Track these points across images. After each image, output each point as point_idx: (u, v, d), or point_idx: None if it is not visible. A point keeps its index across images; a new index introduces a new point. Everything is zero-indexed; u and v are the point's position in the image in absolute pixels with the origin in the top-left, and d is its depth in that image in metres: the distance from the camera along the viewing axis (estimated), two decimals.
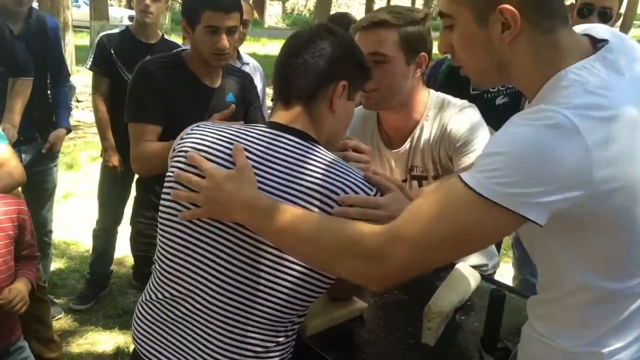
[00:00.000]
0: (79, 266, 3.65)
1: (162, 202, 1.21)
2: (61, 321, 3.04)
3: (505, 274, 3.20)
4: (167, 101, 1.94)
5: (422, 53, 1.58)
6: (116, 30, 3.07)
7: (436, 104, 1.69)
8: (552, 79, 0.94)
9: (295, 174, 1.12)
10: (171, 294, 1.20)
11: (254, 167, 1.12)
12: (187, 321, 1.18)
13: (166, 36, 3.18)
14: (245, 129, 1.20)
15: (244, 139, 1.17)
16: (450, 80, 2.37)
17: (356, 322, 1.42)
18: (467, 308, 1.49)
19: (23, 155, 2.80)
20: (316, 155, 1.15)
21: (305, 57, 1.19)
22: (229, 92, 2.07)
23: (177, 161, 1.19)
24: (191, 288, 1.16)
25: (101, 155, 3.17)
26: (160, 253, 1.21)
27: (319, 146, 1.18)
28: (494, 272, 1.88)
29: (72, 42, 9.01)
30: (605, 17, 2.35)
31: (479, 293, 1.55)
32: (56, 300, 3.17)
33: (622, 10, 2.51)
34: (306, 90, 1.19)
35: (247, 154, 1.13)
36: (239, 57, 2.93)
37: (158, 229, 1.22)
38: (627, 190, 0.89)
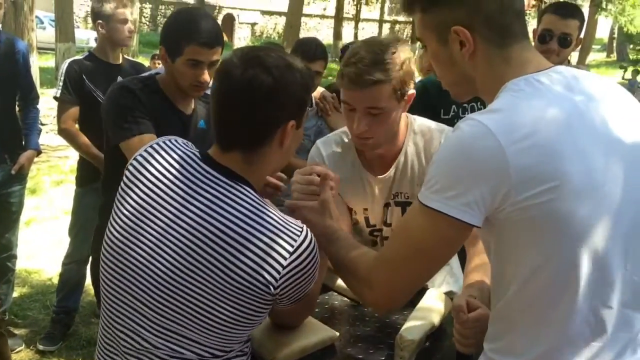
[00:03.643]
0: (42, 296, 3.52)
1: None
2: (21, 354, 2.92)
3: None
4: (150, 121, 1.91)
5: (410, 92, 1.57)
6: (80, 57, 3.03)
7: (419, 130, 1.69)
8: (501, 89, 1.02)
9: (212, 212, 1.10)
10: (112, 328, 1.20)
11: (177, 198, 1.13)
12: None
13: (126, 56, 3.18)
14: (184, 155, 1.18)
15: (178, 165, 1.16)
16: (421, 105, 2.41)
17: (327, 352, 1.39)
18: (439, 334, 1.48)
19: None
20: (237, 196, 1.12)
21: (243, 108, 1.11)
22: (200, 118, 2.06)
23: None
24: (127, 324, 1.17)
25: (77, 185, 3.07)
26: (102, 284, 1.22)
27: (244, 187, 1.14)
28: None
29: (37, 64, 8.85)
30: (565, 42, 2.42)
31: (451, 318, 1.54)
32: (16, 332, 3.04)
33: (582, 35, 2.59)
34: (249, 141, 1.15)
35: (172, 184, 1.14)
36: None
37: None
38: (554, 191, 0.93)
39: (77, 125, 2.97)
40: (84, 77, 2.87)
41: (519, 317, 1.03)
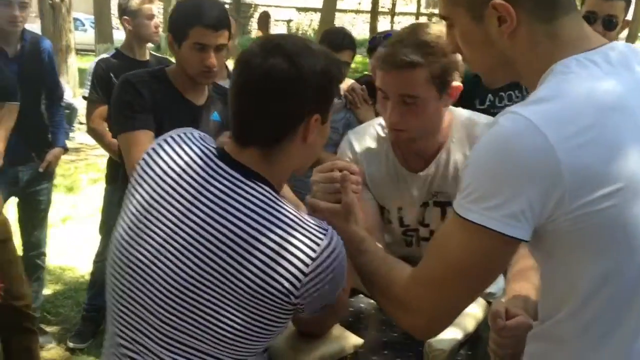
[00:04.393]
0: (74, 293, 3.54)
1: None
2: (52, 351, 2.92)
3: None
4: (153, 114, 1.87)
5: (455, 83, 1.44)
6: (108, 55, 3.03)
7: (464, 124, 1.56)
8: (546, 72, 0.88)
9: (221, 210, 1.01)
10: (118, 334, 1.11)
11: (186, 195, 1.04)
12: None
13: (153, 52, 3.19)
14: (198, 151, 1.09)
15: (191, 161, 1.07)
16: None
17: None
18: (474, 341, 1.36)
19: (20, 175, 2.83)
20: (251, 194, 1.02)
21: (262, 100, 1.02)
22: (213, 110, 2.00)
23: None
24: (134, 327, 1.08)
25: (107, 183, 3.07)
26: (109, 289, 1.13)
27: (261, 184, 1.04)
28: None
29: (75, 65, 9.04)
30: (610, 25, 2.29)
31: (487, 323, 1.42)
32: (48, 329, 3.06)
33: (629, 17, 2.42)
34: (267, 137, 1.05)
35: (182, 180, 1.05)
36: (229, 76, 2.85)
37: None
38: (617, 195, 0.79)
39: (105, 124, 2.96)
40: (111, 75, 2.86)
41: (572, 339, 0.90)
